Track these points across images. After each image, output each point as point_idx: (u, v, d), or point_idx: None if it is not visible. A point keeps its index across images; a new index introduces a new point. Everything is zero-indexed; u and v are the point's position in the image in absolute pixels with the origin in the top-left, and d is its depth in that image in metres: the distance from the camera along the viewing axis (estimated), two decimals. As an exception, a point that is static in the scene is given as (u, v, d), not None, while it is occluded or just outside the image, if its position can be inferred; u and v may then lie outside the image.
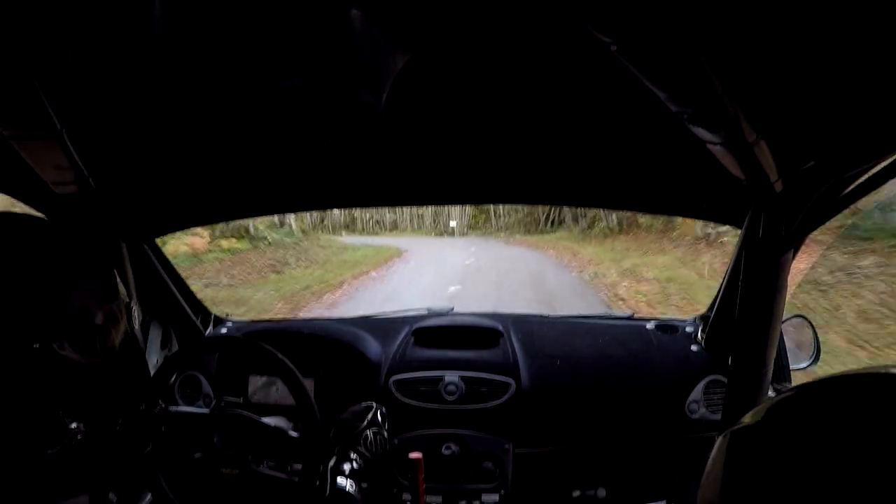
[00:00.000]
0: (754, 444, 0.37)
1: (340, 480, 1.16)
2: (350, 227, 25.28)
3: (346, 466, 1.18)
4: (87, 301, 0.57)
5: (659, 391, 1.50)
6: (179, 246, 9.58)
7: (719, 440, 0.41)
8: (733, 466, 0.38)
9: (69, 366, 0.54)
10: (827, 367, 1.37)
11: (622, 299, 7.29)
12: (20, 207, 1.25)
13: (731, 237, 8.35)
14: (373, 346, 1.61)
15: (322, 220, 23.14)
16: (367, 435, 1.22)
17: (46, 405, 0.55)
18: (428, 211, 24.49)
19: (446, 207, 22.46)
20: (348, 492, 1.14)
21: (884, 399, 0.34)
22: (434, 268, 11.35)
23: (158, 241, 1.60)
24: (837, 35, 0.70)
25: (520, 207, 19.13)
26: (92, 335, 0.57)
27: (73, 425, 0.57)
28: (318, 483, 1.13)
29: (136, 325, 1.55)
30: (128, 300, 0.63)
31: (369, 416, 1.25)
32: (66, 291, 0.55)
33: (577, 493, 1.50)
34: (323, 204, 1.69)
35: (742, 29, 0.69)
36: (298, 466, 1.14)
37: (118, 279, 0.62)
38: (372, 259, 12.95)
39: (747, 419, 0.40)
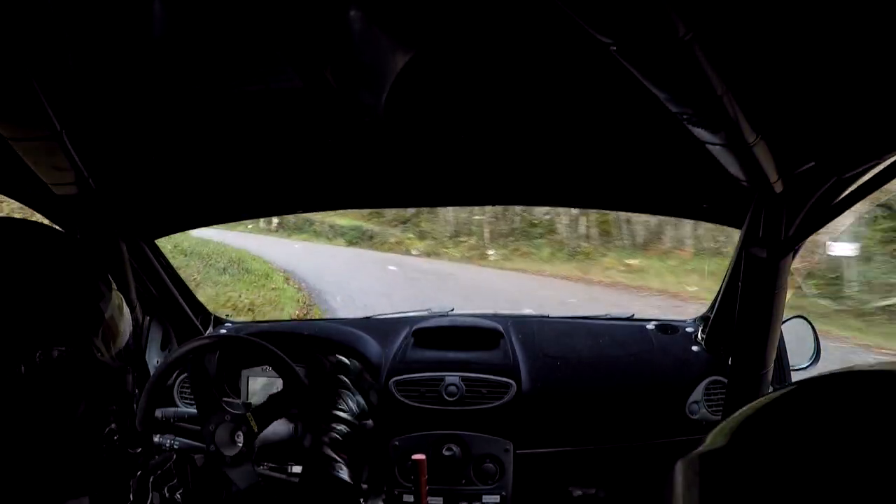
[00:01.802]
0: (728, 470, 0.35)
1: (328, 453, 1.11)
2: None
3: (326, 439, 1.12)
4: (112, 312, 0.60)
5: (659, 392, 1.50)
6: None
7: (682, 466, 0.39)
8: (710, 496, 0.36)
9: (105, 369, 0.58)
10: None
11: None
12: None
13: None
14: (373, 347, 1.61)
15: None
16: (340, 399, 1.16)
17: (93, 405, 0.58)
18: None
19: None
20: (337, 469, 1.09)
21: (854, 396, 0.33)
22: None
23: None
24: (837, 35, 0.70)
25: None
26: (118, 341, 0.60)
27: (111, 425, 0.60)
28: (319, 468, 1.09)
29: (140, 321, 1.55)
30: (122, 300, 0.65)
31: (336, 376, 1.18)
32: (96, 300, 0.58)
33: (577, 494, 1.50)
34: (323, 204, 1.69)
35: (742, 29, 0.69)
36: (298, 469, 1.13)
37: (111, 279, 0.64)
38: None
39: (710, 440, 0.39)
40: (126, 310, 0.63)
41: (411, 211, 11.86)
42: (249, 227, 12.79)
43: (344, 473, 1.09)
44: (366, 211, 11.99)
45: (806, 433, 0.33)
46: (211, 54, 0.88)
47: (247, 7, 0.77)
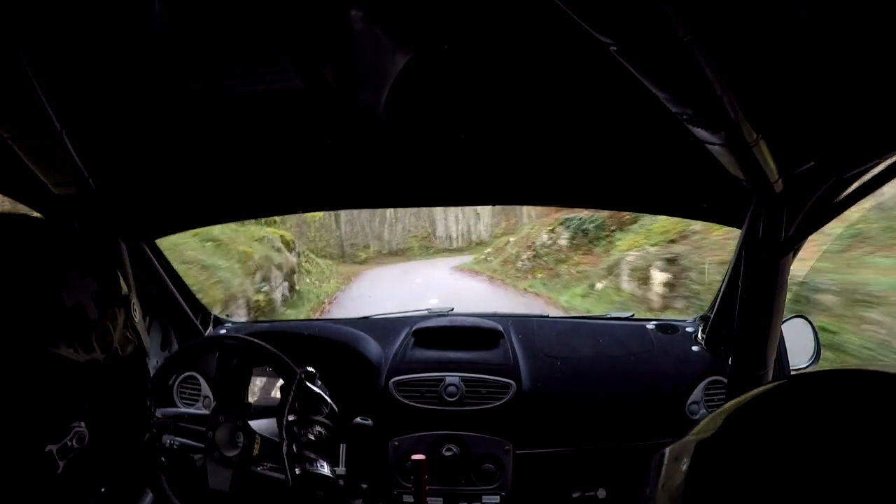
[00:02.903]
0: (720, 456, 0.36)
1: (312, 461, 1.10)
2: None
3: (305, 440, 1.12)
4: (81, 298, 0.54)
5: (659, 392, 1.50)
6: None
7: (669, 453, 0.40)
8: (697, 482, 0.36)
9: (66, 364, 0.53)
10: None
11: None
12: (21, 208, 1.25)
13: None
14: (373, 348, 1.61)
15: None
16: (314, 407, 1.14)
17: (46, 404, 0.54)
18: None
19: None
20: (321, 472, 1.10)
21: (853, 395, 0.34)
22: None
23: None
24: (836, 35, 0.70)
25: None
26: (88, 332, 0.55)
27: (75, 425, 0.56)
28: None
29: (138, 320, 1.54)
30: (127, 294, 0.62)
31: (298, 388, 1.16)
32: (55, 289, 0.53)
33: (577, 494, 1.50)
34: (324, 204, 1.69)
35: (742, 30, 0.69)
36: (298, 469, 1.12)
37: (119, 274, 0.61)
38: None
39: (700, 430, 0.39)
40: (113, 300, 0.60)
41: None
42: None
43: (325, 470, 1.10)
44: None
45: (795, 426, 0.34)
46: (211, 54, 0.88)
47: (247, 7, 0.77)
